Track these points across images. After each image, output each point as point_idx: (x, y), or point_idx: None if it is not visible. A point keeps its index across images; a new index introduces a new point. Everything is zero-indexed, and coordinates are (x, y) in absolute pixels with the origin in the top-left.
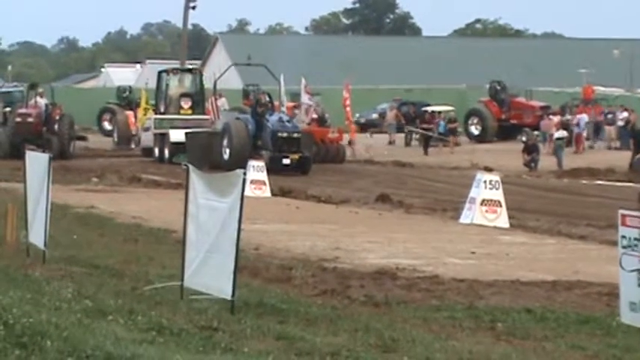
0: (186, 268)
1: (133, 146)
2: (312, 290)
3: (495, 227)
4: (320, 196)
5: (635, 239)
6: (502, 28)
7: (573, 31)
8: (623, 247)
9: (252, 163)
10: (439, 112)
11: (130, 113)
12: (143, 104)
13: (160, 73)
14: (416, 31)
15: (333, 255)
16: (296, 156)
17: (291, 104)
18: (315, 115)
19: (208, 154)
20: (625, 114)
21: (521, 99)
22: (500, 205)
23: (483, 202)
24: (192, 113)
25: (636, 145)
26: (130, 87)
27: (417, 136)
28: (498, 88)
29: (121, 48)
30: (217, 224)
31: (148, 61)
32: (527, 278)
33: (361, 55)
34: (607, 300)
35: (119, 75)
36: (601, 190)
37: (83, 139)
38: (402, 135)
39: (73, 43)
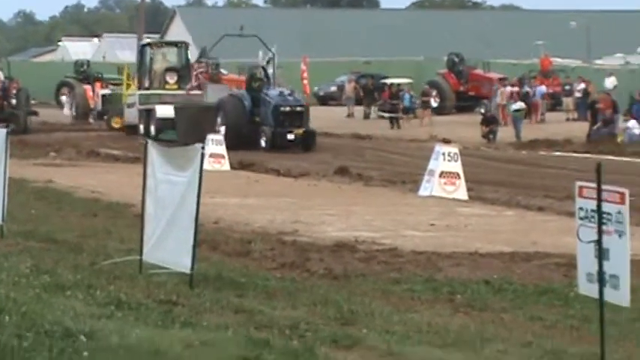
0: (145, 243)
1: (91, 120)
2: (271, 263)
3: (454, 199)
4: (279, 169)
5: (592, 211)
6: (460, 0)
7: (530, 3)
8: (581, 219)
9: (211, 136)
10: (398, 85)
11: (87, 87)
12: (125, 80)
13: (143, 46)
14: (374, 3)
15: (292, 228)
16: (300, 130)
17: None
18: None
19: (199, 130)
20: (582, 85)
21: (479, 71)
22: (459, 177)
23: (442, 175)
24: (178, 88)
25: (594, 117)
26: (87, 61)
27: (376, 109)
28: (456, 60)
29: (79, 21)
30: (176, 198)
31: (105, 34)
32: (485, 250)
33: (319, 27)
34: (565, 271)
35: (76, 49)
36: (559, 162)
37: (34, 113)
38: (361, 108)
39: (30, 17)
